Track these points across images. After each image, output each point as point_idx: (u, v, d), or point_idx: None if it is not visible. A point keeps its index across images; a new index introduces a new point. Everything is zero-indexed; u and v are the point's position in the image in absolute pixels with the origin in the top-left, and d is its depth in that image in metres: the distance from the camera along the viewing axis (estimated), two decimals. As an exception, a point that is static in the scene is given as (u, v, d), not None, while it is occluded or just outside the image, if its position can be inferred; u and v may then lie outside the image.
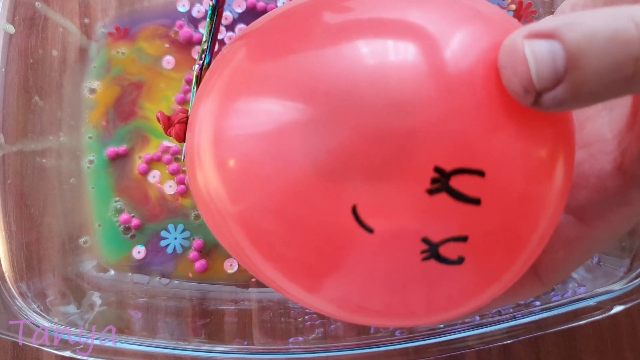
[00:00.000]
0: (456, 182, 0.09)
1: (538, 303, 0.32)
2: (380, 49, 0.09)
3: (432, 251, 0.09)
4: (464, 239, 0.09)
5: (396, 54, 0.09)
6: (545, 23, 0.12)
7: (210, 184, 0.11)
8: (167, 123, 0.18)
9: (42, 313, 0.31)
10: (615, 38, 0.11)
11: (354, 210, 0.09)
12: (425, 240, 0.09)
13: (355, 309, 0.11)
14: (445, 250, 0.09)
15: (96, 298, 0.35)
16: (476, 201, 0.09)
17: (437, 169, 0.09)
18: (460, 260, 0.09)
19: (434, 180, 0.09)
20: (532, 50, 0.12)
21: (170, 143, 0.37)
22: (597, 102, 0.12)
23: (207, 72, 0.14)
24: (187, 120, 0.17)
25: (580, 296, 0.30)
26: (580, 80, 0.11)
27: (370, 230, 0.09)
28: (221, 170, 0.11)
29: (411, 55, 0.09)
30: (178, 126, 0.18)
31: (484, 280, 0.10)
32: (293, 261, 0.10)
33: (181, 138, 0.17)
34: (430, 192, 0.09)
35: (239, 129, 0.10)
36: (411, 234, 0.09)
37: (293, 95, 0.09)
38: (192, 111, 0.14)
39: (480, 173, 0.09)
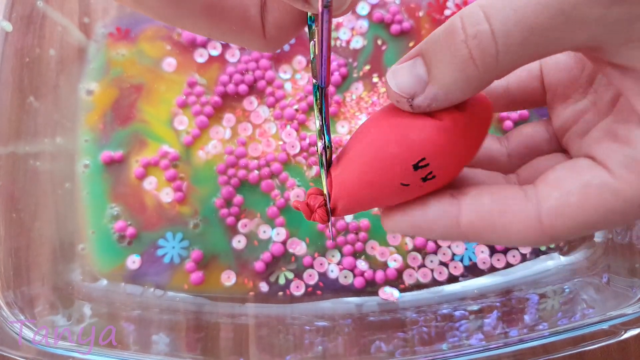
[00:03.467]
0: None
1: (546, 325, 0.31)
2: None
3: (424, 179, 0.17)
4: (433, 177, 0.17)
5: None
6: (409, 53, 0.16)
7: None
8: (309, 210, 0.20)
9: (29, 324, 0.29)
10: (446, 31, 0.15)
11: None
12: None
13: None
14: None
15: (87, 309, 0.33)
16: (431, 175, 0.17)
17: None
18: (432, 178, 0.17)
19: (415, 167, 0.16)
20: (393, 71, 0.16)
21: (170, 148, 0.36)
22: (463, 93, 0.15)
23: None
24: (325, 202, 0.19)
25: (593, 320, 0.29)
26: (439, 76, 0.15)
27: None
28: None
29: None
30: (319, 210, 0.19)
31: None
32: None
33: (325, 220, 0.20)
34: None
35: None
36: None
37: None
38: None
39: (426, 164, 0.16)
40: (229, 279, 0.35)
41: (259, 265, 0.34)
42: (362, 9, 0.37)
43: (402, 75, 0.16)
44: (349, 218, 0.35)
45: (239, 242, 0.35)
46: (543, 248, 0.35)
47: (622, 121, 0.16)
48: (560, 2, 0.13)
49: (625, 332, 0.28)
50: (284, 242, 0.35)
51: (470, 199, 0.17)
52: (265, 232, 0.35)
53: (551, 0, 0.13)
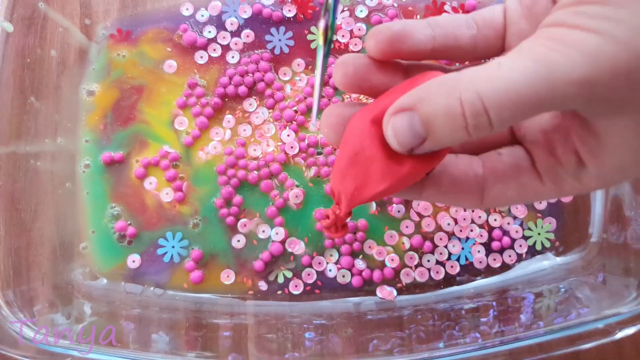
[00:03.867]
0: None
1: (542, 324, 0.32)
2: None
3: None
4: None
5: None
6: (406, 98, 0.17)
7: None
8: (334, 224, 0.21)
9: (29, 323, 0.29)
10: (448, 115, 0.16)
11: None
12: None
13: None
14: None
15: (87, 308, 0.33)
16: None
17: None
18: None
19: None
20: (393, 127, 0.17)
21: (170, 149, 0.36)
22: (455, 144, 0.18)
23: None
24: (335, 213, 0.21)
25: (588, 318, 0.29)
26: (437, 139, 0.17)
27: None
28: None
29: None
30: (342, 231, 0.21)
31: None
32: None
33: (341, 220, 0.21)
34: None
35: None
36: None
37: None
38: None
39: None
40: (228, 277, 0.35)
41: (258, 264, 0.35)
42: (360, 11, 0.38)
43: (402, 135, 0.17)
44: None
45: (238, 242, 0.35)
46: (539, 247, 0.36)
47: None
48: (545, 84, 0.15)
49: (620, 331, 0.28)
50: (282, 242, 0.35)
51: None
52: (264, 231, 0.35)
53: (542, 89, 0.15)
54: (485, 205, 0.20)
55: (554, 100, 0.16)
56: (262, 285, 0.35)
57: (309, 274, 0.35)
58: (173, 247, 0.35)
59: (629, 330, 0.29)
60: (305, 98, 0.37)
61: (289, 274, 0.35)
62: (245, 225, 0.35)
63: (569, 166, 0.19)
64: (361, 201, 0.19)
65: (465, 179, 0.20)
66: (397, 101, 0.18)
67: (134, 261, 0.35)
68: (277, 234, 0.35)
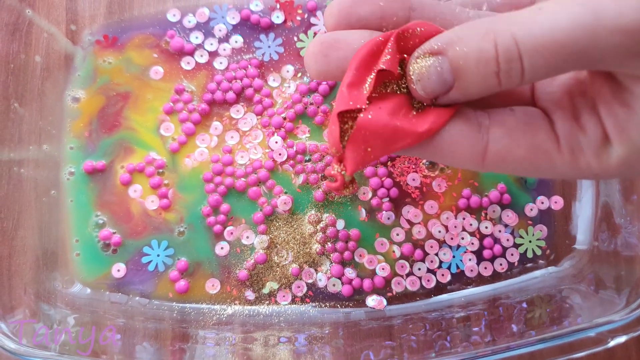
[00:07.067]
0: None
1: (533, 333, 0.31)
2: None
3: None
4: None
5: None
6: (435, 41, 0.16)
7: None
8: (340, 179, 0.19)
9: (9, 334, 0.29)
10: (480, 59, 0.15)
11: None
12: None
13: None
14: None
15: (70, 318, 0.33)
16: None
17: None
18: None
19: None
20: (419, 72, 0.16)
21: (157, 155, 0.36)
22: (480, 97, 0.17)
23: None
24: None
25: (580, 327, 0.29)
26: (465, 87, 0.16)
27: None
28: None
29: None
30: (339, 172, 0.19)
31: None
32: None
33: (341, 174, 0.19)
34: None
35: None
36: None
37: None
38: None
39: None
40: (213, 287, 0.34)
41: (242, 274, 0.34)
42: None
43: (429, 81, 0.16)
44: (340, 225, 0.35)
45: (222, 249, 0.35)
46: (530, 255, 0.35)
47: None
48: (588, 31, 0.14)
49: (612, 340, 0.28)
50: (268, 251, 0.35)
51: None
52: (248, 237, 0.35)
53: (582, 38, 0.14)
54: (486, 166, 0.18)
55: (593, 52, 0.14)
56: (249, 295, 0.34)
57: (298, 285, 0.34)
58: (158, 255, 0.35)
59: (621, 339, 0.28)
60: (294, 105, 0.36)
61: (275, 285, 0.34)
62: (232, 234, 0.35)
63: (593, 137, 0.17)
64: (370, 162, 0.18)
65: (467, 130, 0.18)
66: (424, 44, 0.16)
67: (118, 270, 0.34)
68: (261, 241, 0.35)
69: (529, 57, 0.15)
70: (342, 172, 0.19)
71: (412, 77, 0.17)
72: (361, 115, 0.17)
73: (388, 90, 0.18)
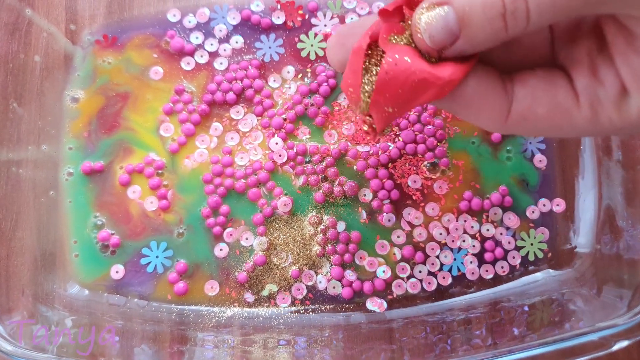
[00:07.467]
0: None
1: (535, 336, 0.31)
2: None
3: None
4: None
5: None
6: None
7: None
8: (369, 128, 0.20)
9: (6, 336, 0.28)
10: (486, 3, 0.15)
11: None
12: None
13: None
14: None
15: (68, 320, 0.32)
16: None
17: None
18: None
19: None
20: (426, 22, 0.16)
21: (156, 156, 0.35)
22: (489, 47, 0.17)
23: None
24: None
25: (583, 330, 0.29)
26: (472, 35, 0.16)
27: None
28: None
29: None
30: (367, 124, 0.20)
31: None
32: None
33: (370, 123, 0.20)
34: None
35: None
36: None
37: None
38: None
39: None
40: (212, 289, 0.34)
41: (241, 276, 0.34)
42: (351, 19, 0.37)
43: (436, 30, 0.16)
44: (340, 227, 0.35)
45: (220, 250, 0.34)
46: (532, 258, 0.35)
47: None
48: None
49: (615, 344, 0.28)
50: (267, 253, 0.34)
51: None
52: (247, 239, 0.34)
53: None
54: (509, 125, 0.19)
55: None
56: (249, 297, 0.34)
57: (298, 288, 0.34)
58: (157, 257, 0.34)
59: (624, 343, 0.28)
60: (295, 106, 0.36)
61: (275, 288, 0.34)
62: (231, 235, 0.35)
63: (612, 90, 0.18)
64: (398, 117, 0.19)
65: (492, 87, 0.18)
66: None
67: (117, 272, 0.34)
68: (260, 243, 0.34)
69: None
70: (374, 126, 0.19)
71: (419, 27, 0.17)
72: (384, 61, 0.18)
73: (402, 42, 0.18)
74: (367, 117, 0.19)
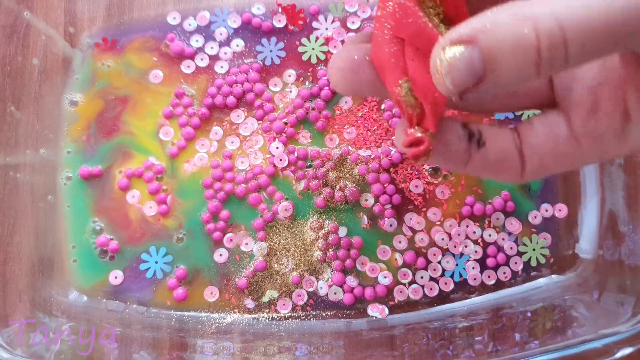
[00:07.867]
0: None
1: (537, 343, 0.31)
2: None
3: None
4: None
5: None
6: (464, 28, 0.14)
7: None
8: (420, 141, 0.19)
9: (3, 343, 0.28)
10: (517, 47, 0.14)
11: None
12: None
13: None
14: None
15: (66, 326, 0.32)
16: None
17: None
18: None
19: None
20: (449, 63, 0.15)
21: (156, 160, 0.35)
22: (511, 88, 0.17)
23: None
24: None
25: (586, 338, 0.28)
26: (497, 78, 0.14)
27: None
28: None
29: None
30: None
31: None
32: None
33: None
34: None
35: None
36: None
37: None
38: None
39: None
40: (212, 295, 0.34)
41: (241, 281, 0.34)
42: (352, 23, 0.37)
43: (459, 73, 0.14)
44: (342, 232, 0.34)
45: (220, 256, 0.34)
46: (534, 264, 0.35)
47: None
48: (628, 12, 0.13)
49: (618, 351, 0.28)
50: (268, 258, 0.34)
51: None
52: (247, 244, 0.34)
53: (632, 14, 0.13)
54: (524, 179, 0.20)
55: None
56: (249, 303, 0.34)
57: (299, 295, 0.34)
58: (156, 262, 0.34)
59: (627, 350, 0.28)
60: (295, 110, 0.36)
61: (275, 294, 0.34)
62: (231, 240, 0.34)
63: (613, 124, 0.18)
64: (444, 110, 0.17)
65: (510, 153, 0.19)
66: (451, 31, 0.15)
67: (116, 277, 0.34)
68: (261, 248, 0.34)
69: (576, 41, 0.13)
70: (427, 133, 0.18)
71: (441, 69, 0.15)
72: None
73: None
74: (418, 127, 0.18)
